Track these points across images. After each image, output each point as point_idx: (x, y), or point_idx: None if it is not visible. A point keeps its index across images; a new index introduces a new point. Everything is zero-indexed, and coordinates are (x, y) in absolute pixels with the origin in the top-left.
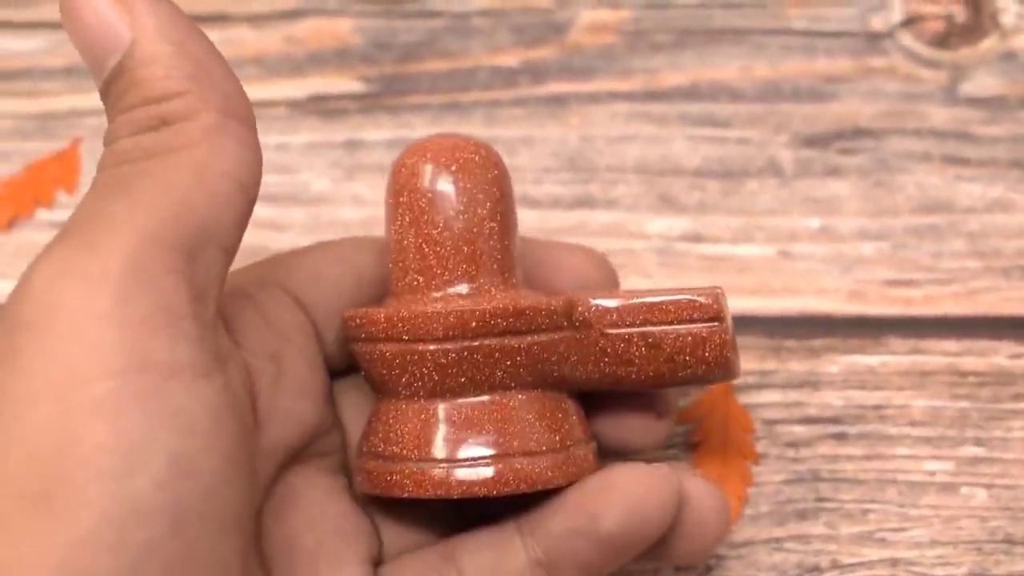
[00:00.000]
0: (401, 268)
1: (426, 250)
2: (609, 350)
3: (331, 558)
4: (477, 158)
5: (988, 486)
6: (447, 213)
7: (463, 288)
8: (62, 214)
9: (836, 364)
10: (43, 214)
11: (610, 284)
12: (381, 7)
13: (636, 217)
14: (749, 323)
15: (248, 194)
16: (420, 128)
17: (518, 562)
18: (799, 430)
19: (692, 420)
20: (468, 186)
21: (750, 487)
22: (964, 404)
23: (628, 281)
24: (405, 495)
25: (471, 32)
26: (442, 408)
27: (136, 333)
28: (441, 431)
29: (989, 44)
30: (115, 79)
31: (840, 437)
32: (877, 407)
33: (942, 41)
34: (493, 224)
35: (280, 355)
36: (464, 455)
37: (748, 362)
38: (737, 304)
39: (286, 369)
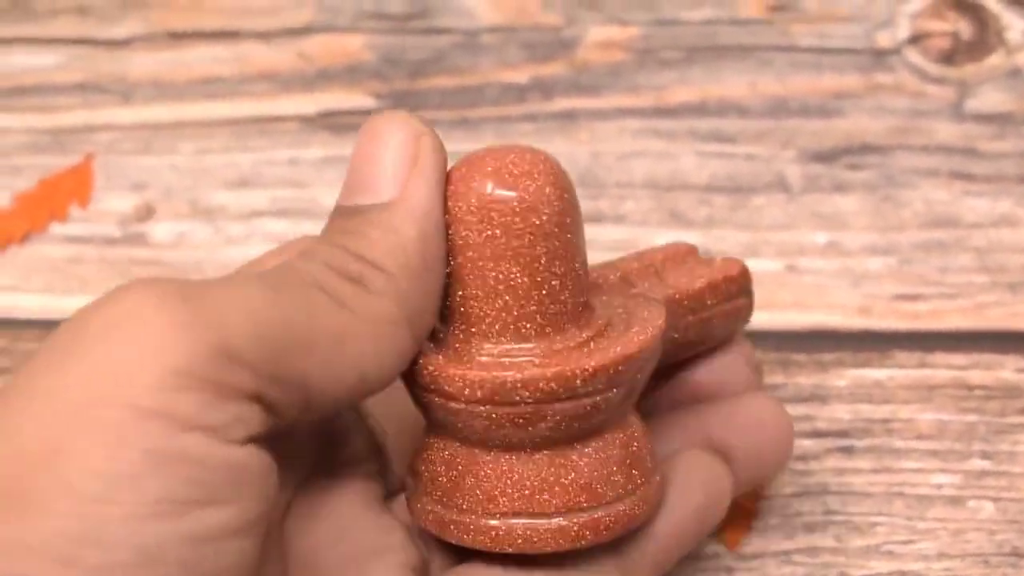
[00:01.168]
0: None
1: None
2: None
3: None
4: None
5: (995, 499)
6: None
7: (526, 345)
8: (76, 228)
9: (844, 378)
10: (57, 228)
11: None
12: (392, 24)
13: (645, 232)
14: (757, 337)
15: (366, 386)
16: None
17: None
18: (807, 443)
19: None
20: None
21: (759, 500)
22: (971, 418)
23: None
24: (477, 547)
25: (481, 49)
26: (504, 461)
27: (171, 383)
28: (506, 487)
29: (995, 61)
30: (354, 213)
31: (848, 450)
32: (885, 421)
33: (948, 58)
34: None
35: None
36: (533, 511)
37: None
38: None
39: None
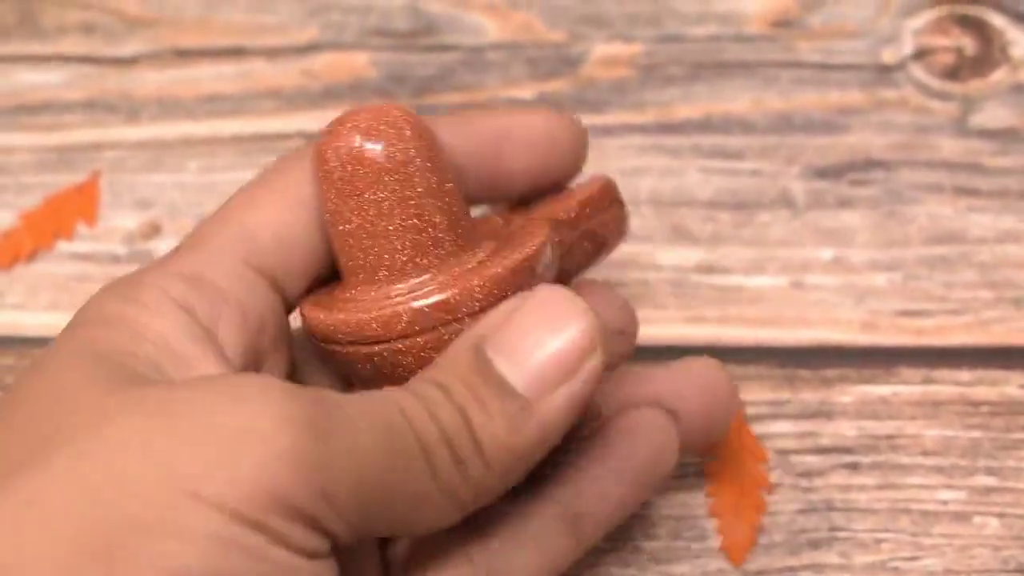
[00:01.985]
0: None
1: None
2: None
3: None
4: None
5: (1000, 515)
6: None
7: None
8: (81, 246)
9: (849, 394)
10: (63, 246)
11: (579, 147)
12: (397, 41)
13: (650, 248)
14: (762, 353)
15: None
16: None
17: None
18: (812, 460)
19: (706, 450)
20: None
21: (764, 516)
22: (976, 434)
23: (642, 313)
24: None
25: (486, 66)
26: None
27: (267, 504)
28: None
29: (999, 76)
30: (489, 373)
31: (853, 467)
32: (890, 437)
33: (953, 73)
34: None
35: (261, 357)
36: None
37: (761, 392)
38: (750, 334)
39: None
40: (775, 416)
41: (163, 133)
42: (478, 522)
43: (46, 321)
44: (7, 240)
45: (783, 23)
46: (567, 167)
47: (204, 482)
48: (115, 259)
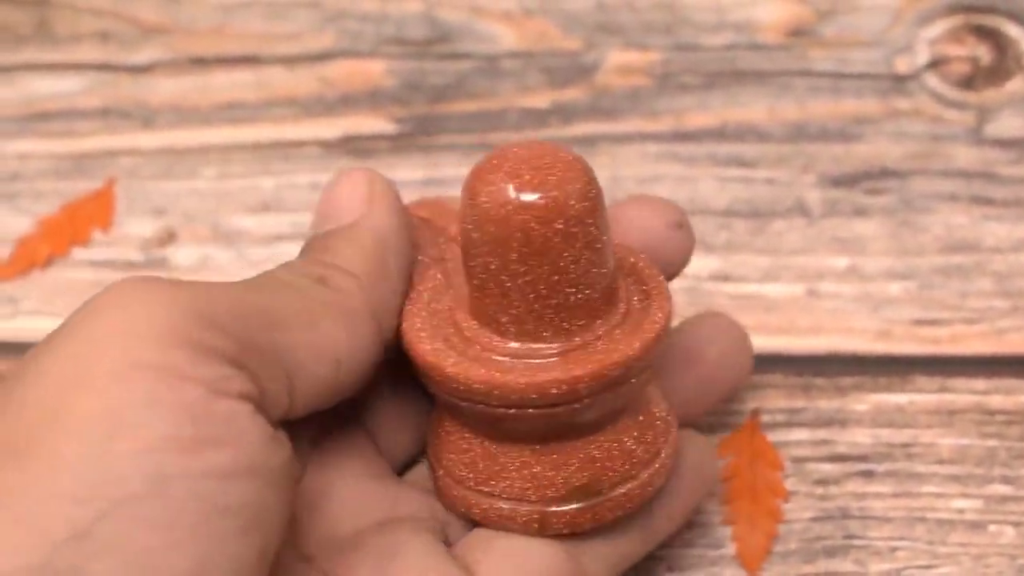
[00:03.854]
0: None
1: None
2: None
3: None
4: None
5: (1016, 524)
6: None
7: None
8: (98, 252)
9: (864, 402)
10: (79, 253)
11: (684, 232)
12: (413, 49)
13: None
14: (777, 361)
15: (343, 373)
16: (450, 168)
17: None
18: (828, 468)
19: (722, 458)
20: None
21: (779, 524)
22: (992, 442)
23: None
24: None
25: (501, 73)
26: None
27: (163, 341)
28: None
29: (1014, 86)
30: (321, 236)
31: (868, 475)
32: (905, 445)
33: (967, 83)
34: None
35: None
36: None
37: (777, 400)
38: (765, 343)
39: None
40: (790, 424)
41: (178, 140)
42: None
43: None
44: (23, 247)
45: (798, 32)
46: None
47: (97, 353)
48: (131, 265)
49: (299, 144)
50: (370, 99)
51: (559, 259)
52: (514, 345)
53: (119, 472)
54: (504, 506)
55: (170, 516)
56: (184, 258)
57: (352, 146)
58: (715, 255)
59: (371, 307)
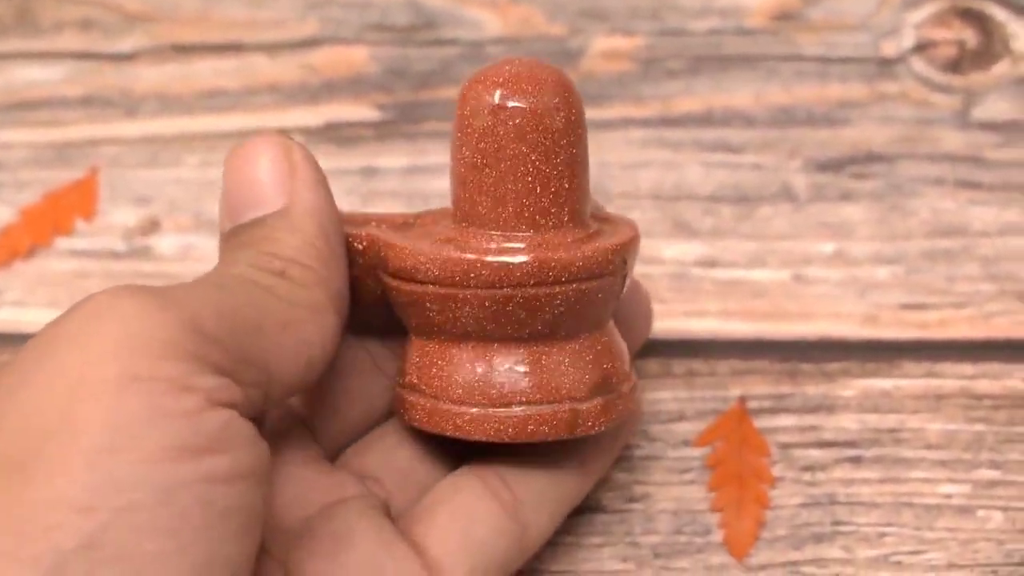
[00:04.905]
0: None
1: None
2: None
3: None
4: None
5: (1004, 509)
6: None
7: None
8: (80, 242)
9: (851, 388)
10: (62, 242)
11: None
12: (396, 35)
13: (651, 242)
14: (764, 347)
15: (313, 371)
16: (435, 155)
17: None
18: (815, 454)
19: (708, 444)
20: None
21: (767, 511)
22: (979, 427)
23: None
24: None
25: (486, 60)
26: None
27: (158, 353)
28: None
29: (1001, 69)
30: (252, 226)
31: (856, 460)
32: (892, 430)
33: (954, 66)
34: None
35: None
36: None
37: (763, 386)
38: (752, 328)
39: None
40: (777, 410)
41: (162, 129)
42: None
43: (44, 318)
44: (5, 237)
45: (784, 16)
46: None
47: (95, 366)
48: (114, 255)
49: (283, 132)
50: (354, 86)
51: (548, 153)
52: (493, 233)
53: (124, 481)
54: (536, 411)
55: (175, 523)
56: (167, 247)
57: (335, 133)
58: (701, 240)
59: (330, 296)
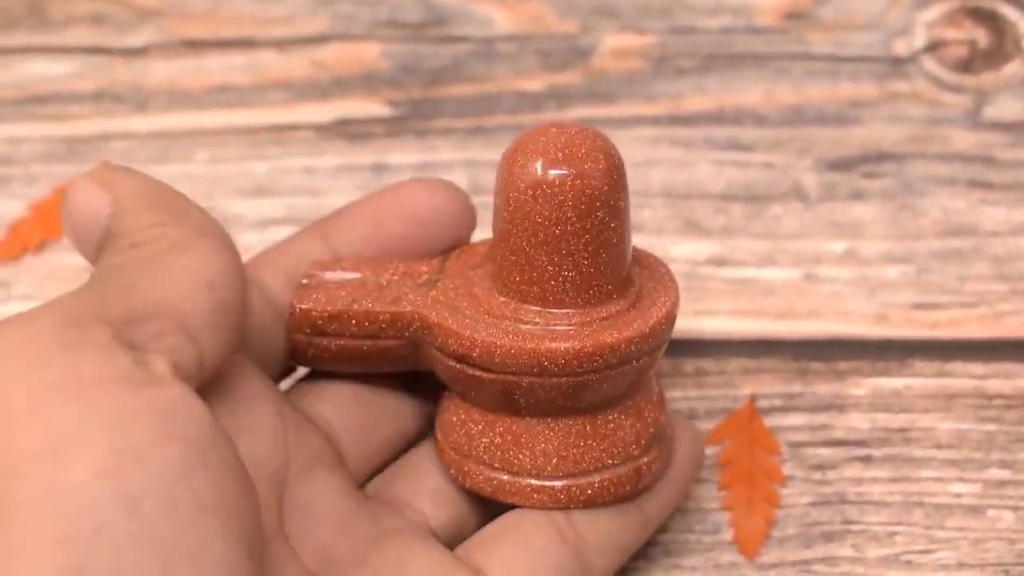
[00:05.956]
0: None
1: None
2: None
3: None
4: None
5: (1014, 508)
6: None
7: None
8: None
9: (862, 387)
10: None
11: (463, 218)
12: (407, 32)
13: (661, 241)
14: (774, 346)
15: (216, 292)
16: (446, 152)
17: None
18: (825, 452)
19: (718, 443)
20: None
21: (777, 509)
22: (990, 427)
23: None
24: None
25: (496, 57)
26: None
27: (63, 355)
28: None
29: (1012, 69)
30: (104, 242)
31: (866, 460)
32: (903, 430)
33: (965, 66)
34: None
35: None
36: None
37: (774, 385)
38: (762, 327)
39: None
40: (788, 409)
41: (172, 124)
42: None
43: None
44: (16, 231)
45: (795, 15)
46: (450, 236)
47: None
48: None
49: (293, 128)
50: (364, 82)
51: (584, 232)
52: (534, 317)
53: (86, 501)
54: (609, 475)
55: (150, 532)
56: None
57: (346, 130)
58: (712, 239)
59: (189, 231)
